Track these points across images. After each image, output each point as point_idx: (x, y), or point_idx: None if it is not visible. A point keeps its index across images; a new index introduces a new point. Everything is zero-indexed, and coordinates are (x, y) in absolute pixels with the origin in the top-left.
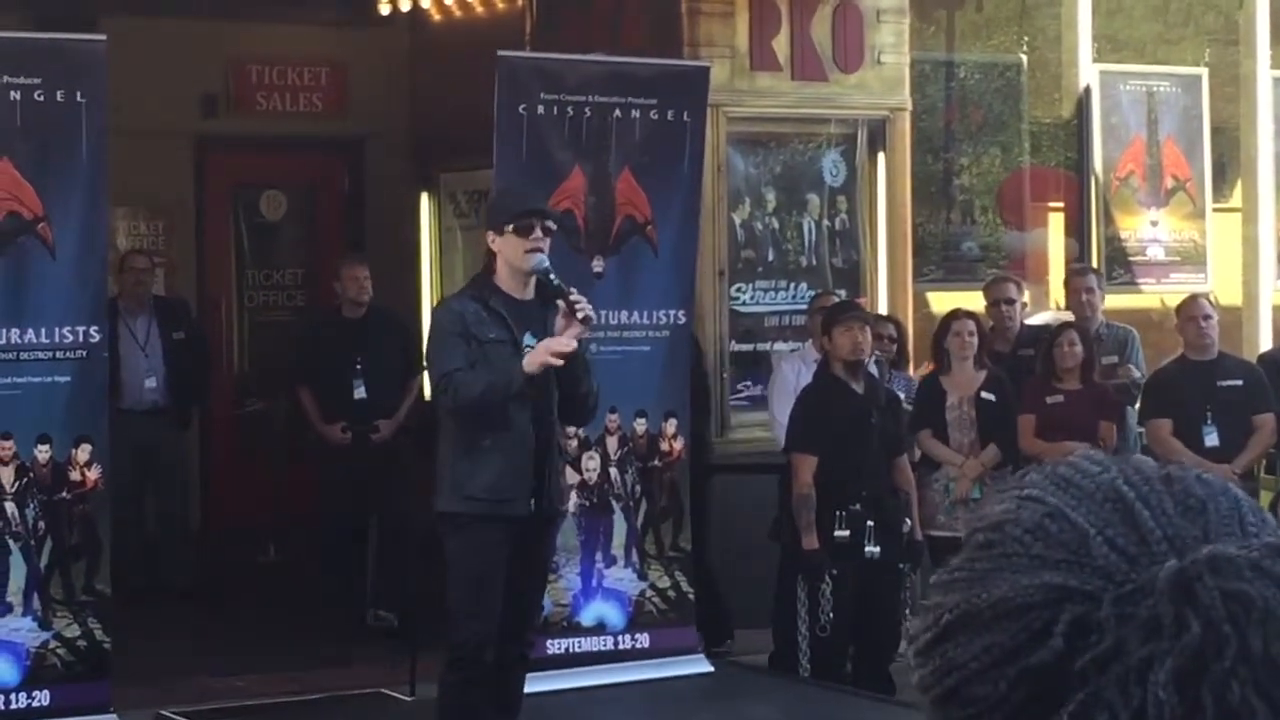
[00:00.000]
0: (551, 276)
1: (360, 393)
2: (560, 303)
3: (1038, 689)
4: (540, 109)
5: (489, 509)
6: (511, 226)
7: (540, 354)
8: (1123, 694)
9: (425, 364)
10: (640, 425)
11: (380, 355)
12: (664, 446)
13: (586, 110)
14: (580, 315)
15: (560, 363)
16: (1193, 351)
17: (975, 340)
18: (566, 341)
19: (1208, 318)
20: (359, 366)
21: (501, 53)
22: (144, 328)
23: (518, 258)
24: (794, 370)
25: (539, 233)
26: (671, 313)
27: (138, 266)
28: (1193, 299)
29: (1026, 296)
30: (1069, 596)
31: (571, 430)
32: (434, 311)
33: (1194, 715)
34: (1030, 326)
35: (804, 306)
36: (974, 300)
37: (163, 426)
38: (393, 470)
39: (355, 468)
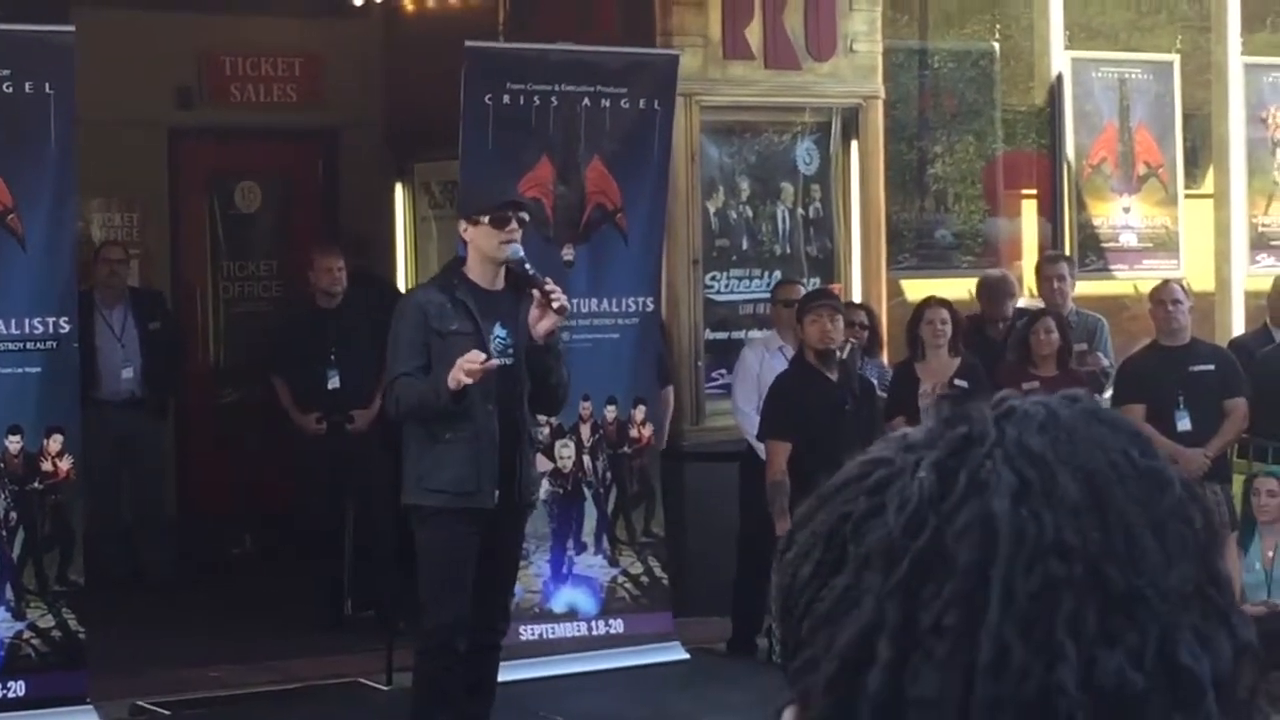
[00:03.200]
0: (526, 266)
1: (334, 383)
2: (535, 292)
3: (841, 539)
4: (507, 99)
5: (452, 501)
6: (487, 218)
7: (456, 371)
8: (900, 495)
9: None
10: (610, 412)
11: (354, 345)
12: (634, 433)
13: (554, 100)
14: (555, 305)
15: (470, 381)
16: (1164, 336)
17: (949, 328)
18: (475, 357)
19: (1177, 302)
20: (332, 357)
21: (469, 43)
22: (120, 318)
23: (491, 248)
24: (757, 358)
25: (514, 225)
26: (640, 300)
27: (112, 258)
28: (1164, 284)
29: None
30: (878, 465)
31: (544, 418)
32: (398, 304)
33: (946, 491)
34: (1019, 310)
35: None
36: (947, 288)
37: (139, 417)
38: (368, 461)
39: (330, 458)
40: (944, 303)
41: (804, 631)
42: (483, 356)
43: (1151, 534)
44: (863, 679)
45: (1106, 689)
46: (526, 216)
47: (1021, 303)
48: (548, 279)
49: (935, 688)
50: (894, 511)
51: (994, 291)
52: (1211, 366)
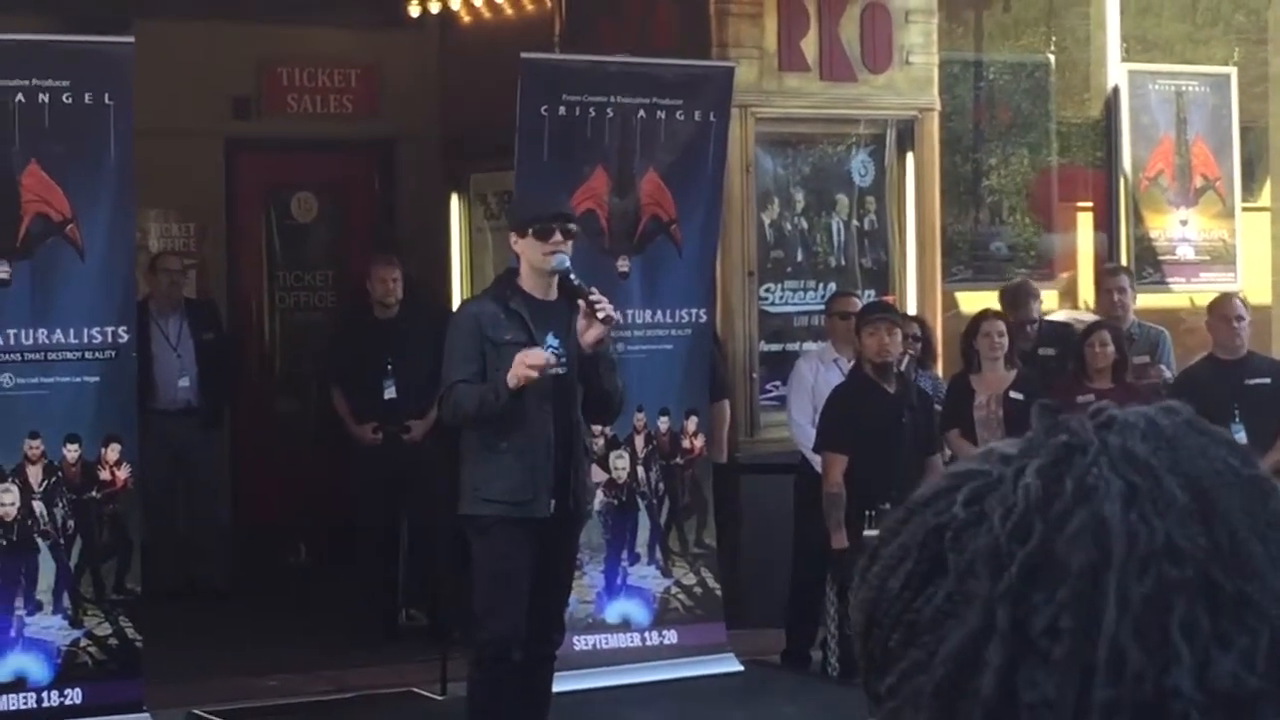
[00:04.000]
0: (572, 276)
1: (390, 393)
2: (580, 302)
3: (935, 549)
4: (562, 110)
5: (508, 511)
6: (532, 230)
7: (518, 368)
8: (1002, 503)
9: None
10: (663, 423)
11: (410, 356)
12: (686, 444)
13: (609, 111)
14: (601, 315)
15: (536, 375)
16: (1222, 350)
17: (1005, 340)
18: (538, 354)
19: (1240, 318)
20: (390, 367)
21: (524, 54)
22: (175, 328)
23: (538, 259)
24: (812, 370)
25: (559, 236)
26: (693, 311)
27: (170, 268)
28: (1226, 298)
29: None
30: (971, 477)
31: (598, 429)
32: (453, 315)
33: (1052, 497)
34: (1050, 323)
35: None
36: None
37: (195, 426)
38: (424, 471)
39: (387, 468)
40: (1000, 315)
41: (894, 644)
42: (545, 353)
43: (1257, 540)
44: (973, 683)
45: (1221, 691)
46: (574, 228)
47: (1062, 315)
48: (593, 289)
49: (1053, 690)
50: (999, 519)
51: (1016, 296)
52: (1268, 380)
